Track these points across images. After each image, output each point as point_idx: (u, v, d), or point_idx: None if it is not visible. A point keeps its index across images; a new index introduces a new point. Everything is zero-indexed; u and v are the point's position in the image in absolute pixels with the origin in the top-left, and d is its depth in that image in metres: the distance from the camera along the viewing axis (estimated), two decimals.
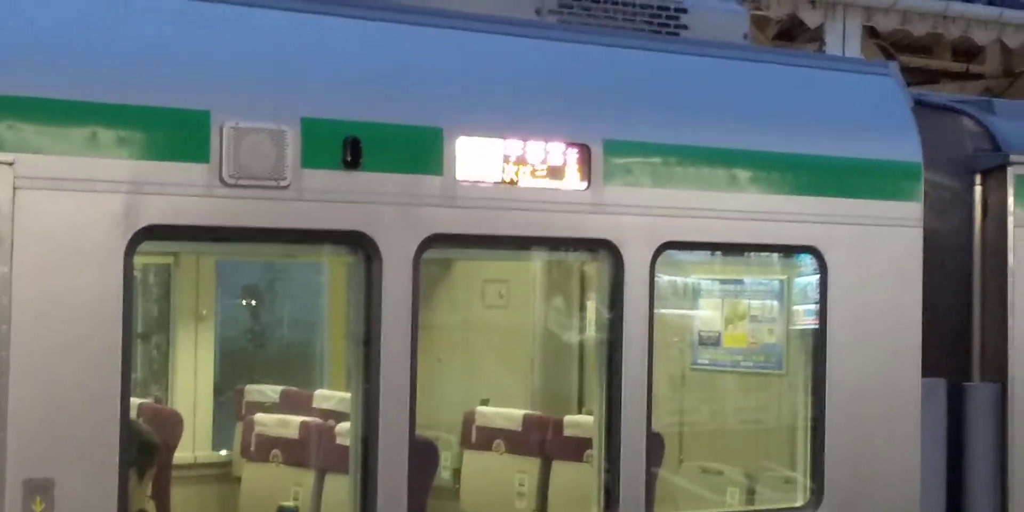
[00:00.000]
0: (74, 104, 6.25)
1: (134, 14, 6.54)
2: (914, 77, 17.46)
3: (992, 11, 16.41)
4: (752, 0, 14.65)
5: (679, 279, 9.04)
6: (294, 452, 8.87)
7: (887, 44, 18.02)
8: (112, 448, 6.28)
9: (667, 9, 8.44)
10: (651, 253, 7.72)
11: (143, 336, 9.82)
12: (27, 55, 6.23)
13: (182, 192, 6.48)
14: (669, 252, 7.90)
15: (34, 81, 6.20)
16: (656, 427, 7.90)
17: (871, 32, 17.10)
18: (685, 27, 8.45)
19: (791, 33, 16.56)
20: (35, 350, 6.14)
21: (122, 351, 6.32)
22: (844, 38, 15.74)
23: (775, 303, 9.12)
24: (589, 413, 8.65)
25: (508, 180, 7.35)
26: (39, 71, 6.24)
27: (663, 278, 8.06)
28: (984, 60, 19.08)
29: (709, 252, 8.69)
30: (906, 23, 16.02)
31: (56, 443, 6.17)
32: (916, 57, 18.61)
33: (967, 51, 18.90)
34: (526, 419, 9.51)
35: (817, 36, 15.69)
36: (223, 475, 9.72)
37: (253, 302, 11.05)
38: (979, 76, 19.32)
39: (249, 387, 10.08)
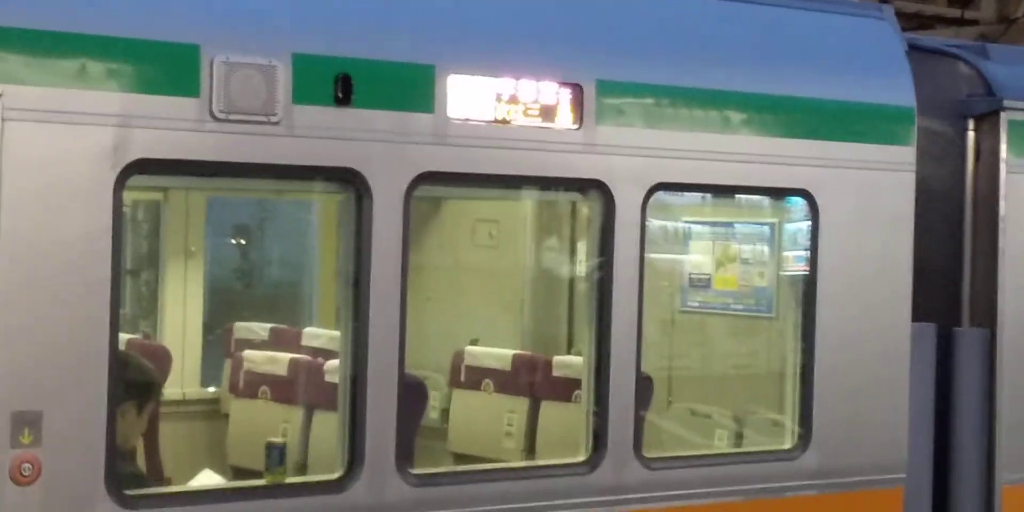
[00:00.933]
0: (63, 36, 6.21)
1: None
2: (909, 23, 17.38)
3: None
4: None
5: (670, 222, 9.02)
6: (283, 389, 8.89)
7: None
8: (100, 381, 6.28)
9: None
10: (642, 194, 7.70)
11: (132, 272, 9.81)
12: None
13: (172, 126, 6.44)
14: (661, 194, 7.88)
15: (22, 12, 6.14)
16: (645, 369, 7.90)
17: None
18: None
19: None
20: (23, 281, 6.12)
21: (111, 285, 6.31)
22: None
23: (766, 247, 9.12)
24: (578, 354, 8.65)
25: (500, 119, 7.31)
26: (27, 2, 6.18)
27: (654, 220, 8.05)
28: (979, 6, 19.00)
29: (700, 194, 8.68)
30: None
31: (44, 376, 6.17)
32: (911, 2, 18.53)
33: None
34: (515, 359, 9.52)
35: None
36: (211, 412, 9.73)
37: (243, 240, 11.02)
38: (974, 22, 19.23)
39: (238, 324, 10.08)
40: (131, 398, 6.89)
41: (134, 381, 6.98)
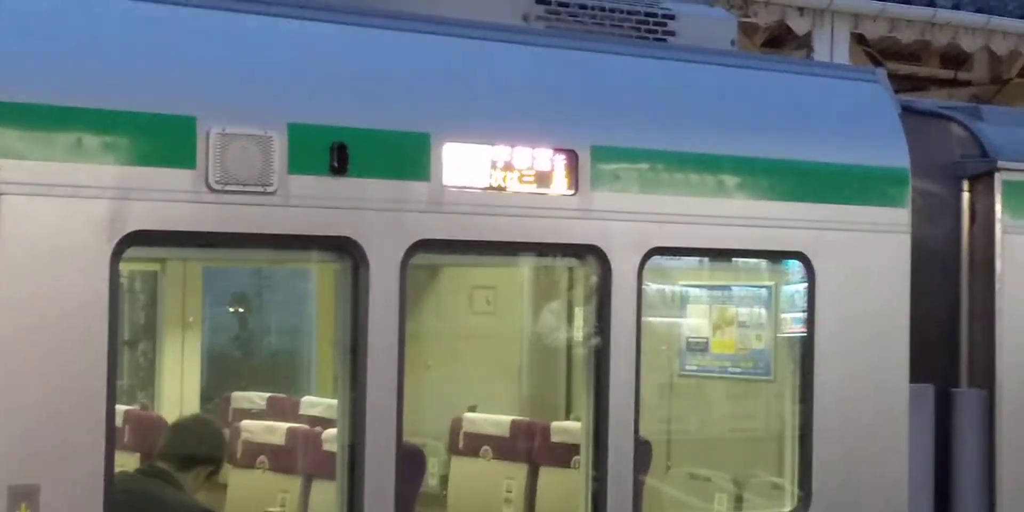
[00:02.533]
0: (58, 109, 6.23)
1: (118, 20, 6.52)
2: (902, 84, 17.48)
3: (980, 18, 16.41)
4: (740, 7, 14.66)
5: (667, 286, 9.03)
6: (281, 458, 8.85)
7: (875, 51, 18.04)
8: (98, 454, 6.25)
9: (655, 15, 8.43)
10: (639, 259, 7.72)
11: (130, 343, 9.79)
12: (11, 61, 6.20)
13: (168, 198, 6.45)
14: (657, 258, 7.90)
15: (17, 86, 6.17)
16: (644, 433, 7.88)
17: (859, 39, 17.12)
18: (673, 33, 8.45)
19: (779, 40, 16.58)
20: (20, 355, 6.12)
21: (108, 357, 6.30)
22: (832, 45, 15.75)
23: (763, 309, 9.12)
24: (577, 419, 8.63)
25: (495, 186, 7.34)
26: (23, 77, 6.22)
27: (651, 284, 8.06)
28: (972, 67, 19.11)
29: (697, 258, 8.69)
30: (894, 30, 16.03)
31: (42, 449, 6.14)
32: (904, 64, 18.63)
33: (955, 58, 18.93)
34: (513, 425, 9.49)
35: (805, 43, 15.71)
36: (210, 482, 9.67)
37: (240, 309, 11.02)
38: (967, 83, 19.34)
39: (236, 394, 10.06)
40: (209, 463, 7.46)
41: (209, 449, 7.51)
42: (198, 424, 8.38)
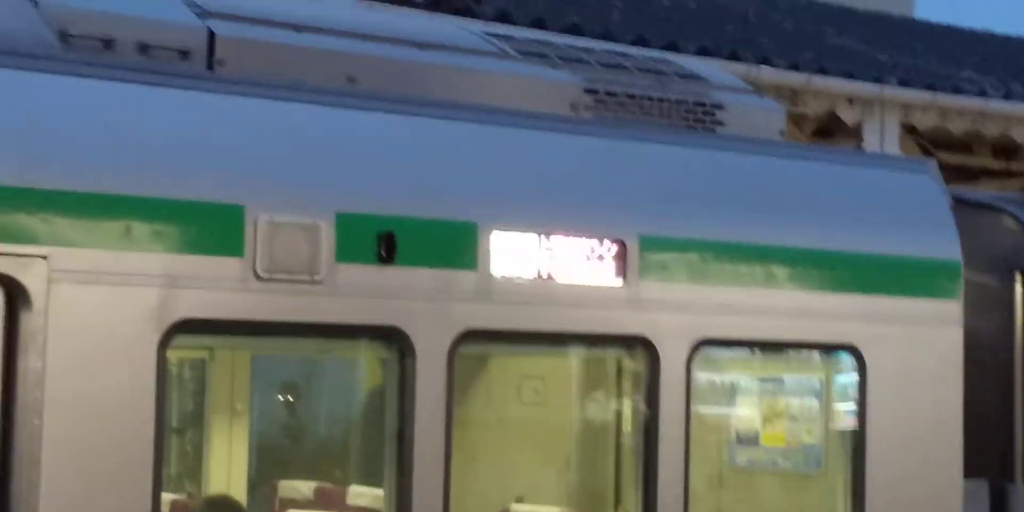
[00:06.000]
0: (107, 197, 6.26)
1: (167, 108, 6.56)
2: (953, 175, 17.41)
3: None
4: (789, 97, 14.68)
5: (716, 377, 8.95)
6: None
7: (926, 142, 18.01)
8: None
9: (703, 105, 8.43)
10: (687, 350, 7.67)
11: (177, 430, 9.77)
12: (61, 149, 6.24)
13: (216, 286, 6.46)
14: (706, 349, 7.84)
15: (67, 175, 6.20)
16: None
17: (910, 130, 17.10)
18: (721, 123, 8.45)
19: (829, 130, 16.56)
20: (68, 446, 6.09)
21: (154, 448, 6.27)
22: (882, 136, 15.74)
23: (814, 402, 9.03)
24: None
25: (543, 275, 7.31)
26: (73, 164, 6.25)
27: (700, 375, 7.99)
28: (1023, 157, 19.04)
29: (747, 349, 8.62)
30: (945, 120, 16.01)
31: None
32: (955, 155, 18.58)
33: (1006, 149, 18.86)
34: None
35: (855, 133, 15.69)
36: None
37: (288, 397, 11.00)
38: (1019, 174, 19.26)
39: (283, 483, 10.01)
40: None
41: None
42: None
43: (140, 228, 6.31)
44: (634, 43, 13.72)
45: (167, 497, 7.71)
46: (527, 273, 7.27)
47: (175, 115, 6.59)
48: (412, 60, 7.68)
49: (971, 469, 8.78)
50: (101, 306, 6.20)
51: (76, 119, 6.32)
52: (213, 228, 6.49)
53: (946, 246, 8.71)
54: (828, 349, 8.45)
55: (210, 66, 7.05)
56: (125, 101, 6.50)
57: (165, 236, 6.37)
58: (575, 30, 13.99)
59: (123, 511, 6.20)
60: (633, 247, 7.56)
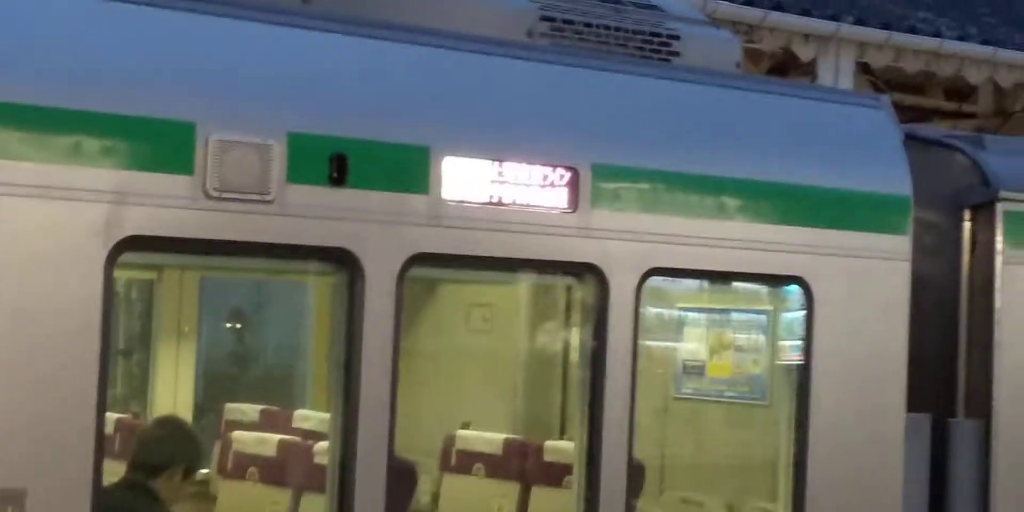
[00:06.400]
0: (56, 111, 6.20)
1: (118, 23, 6.49)
2: (907, 115, 17.43)
3: (985, 50, 16.39)
4: (746, 33, 14.65)
5: (665, 306, 8.99)
6: (271, 471, 8.81)
7: (880, 81, 18.03)
8: (86, 460, 6.21)
9: (660, 35, 8.40)
10: (637, 279, 7.68)
11: (124, 352, 9.75)
12: (11, 62, 6.17)
13: (165, 203, 6.42)
14: (655, 279, 7.85)
15: (15, 88, 6.14)
16: (638, 455, 7.83)
17: (864, 68, 17.11)
18: (677, 53, 8.42)
19: (784, 67, 16.55)
20: (10, 357, 6.07)
21: (99, 362, 6.25)
22: (837, 74, 15.74)
23: (760, 333, 9.08)
24: (571, 439, 8.59)
25: (494, 201, 7.30)
26: (23, 78, 6.19)
27: (648, 304, 8.01)
28: (977, 99, 19.09)
29: (695, 281, 8.65)
30: (899, 60, 16.01)
31: (29, 453, 6.09)
32: (908, 95, 18.61)
33: (960, 90, 18.91)
34: (506, 443, 9.45)
35: (810, 70, 15.69)
36: (200, 494, 9.62)
37: (236, 320, 10.99)
38: (971, 115, 19.31)
39: (229, 405, 10.02)
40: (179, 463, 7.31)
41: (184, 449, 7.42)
42: (159, 427, 8.32)
43: (89, 143, 6.26)
44: None
45: (111, 416, 7.71)
46: (479, 198, 7.26)
47: (125, 32, 6.52)
48: None
49: (914, 403, 8.85)
50: (48, 220, 6.15)
51: (28, 34, 6.25)
52: (163, 145, 6.44)
53: (897, 181, 8.74)
54: (776, 281, 8.48)
55: None
56: (78, 16, 6.43)
57: (114, 152, 6.32)
58: None
59: (66, 426, 6.18)
60: (586, 175, 7.55)
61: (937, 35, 16.34)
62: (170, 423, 8.35)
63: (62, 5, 6.38)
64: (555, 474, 8.84)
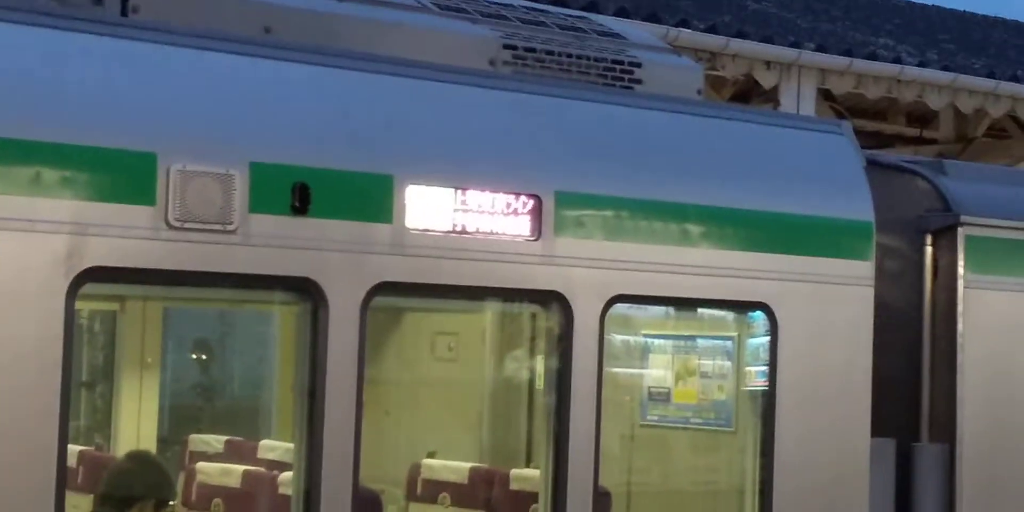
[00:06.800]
0: (18, 143, 6.18)
1: (80, 54, 6.48)
2: (869, 141, 17.53)
3: (946, 76, 16.48)
4: (708, 60, 14.70)
5: (630, 333, 8.99)
6: (236, 502, 8.77)
7: (842, 108, 18.10)
8: (48, 496, 6.15)
9: (621, 63, 8.43)
10: (601, 306, 7.68)
11: (87, 384, 9.70)
12: None
13: (127, 234, 6.39)
14: (620, 306, 7.86)
15: None
16: (604, 483, 7.82)
17: (826, 95, 17.18)
18: (639, 81, 8.45)
19: (747, 94, 16.62)
20: None
21: (61, 397, 6.21)
22: (799, 100, 15.80)
23: (725, 359, 9.09)
24: (536, 467, 8.57)
25: (458, 229, 7.30)
26: None
27: (613, 331, 8.01)
28: (938, 125, 19.19)
29: (661, 308, 8.66)
30: (860, 86, 16.09)
31: None
32: (870, 121, 18.70)
33: (921, 116, 19.01)
34: (472, 472, 9.42)
35: (772, 97, 15.74)
36: None
37: (200, 351, 10.95)
38: (933, 141, 19.41)
39: (193, 436, 9.97)
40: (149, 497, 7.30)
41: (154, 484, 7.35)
42: (130, 462, 8.28)
43: (50, 174, 6.23)
44: (554, 3, 13.69)
45: (74, 449, 7.66)
46: (442, 227, 7.25)
47: (88, 62, 6.51)
48: (329, 12, 7.63)
49: (879, 428, 8.87)
50: (9, 252, 6.12)
51: None
52: (125, 176, 6.42)
53: (859, 207, 8.77)
54: (740, 307, 8.49)
55: (124, 12, 6.97)
56: (38, 47, 6.41)
57: (75, 183, 6.29)
58: None
59: (29, 463, 6.13)
60: (549, 202, 7.55)
61: (898, 61, 16.42)
62: (140, 457, 8.32)
63: (26, 39, 6.36)
64: (521, 502, 8.82)
